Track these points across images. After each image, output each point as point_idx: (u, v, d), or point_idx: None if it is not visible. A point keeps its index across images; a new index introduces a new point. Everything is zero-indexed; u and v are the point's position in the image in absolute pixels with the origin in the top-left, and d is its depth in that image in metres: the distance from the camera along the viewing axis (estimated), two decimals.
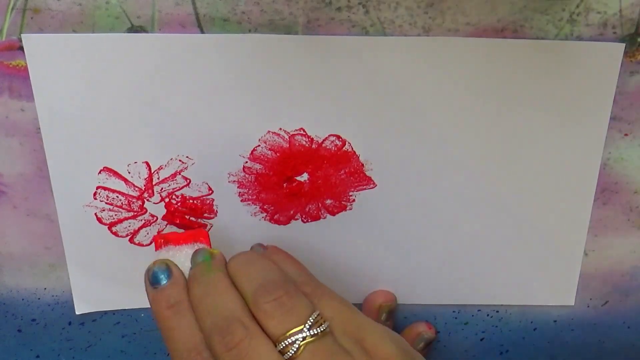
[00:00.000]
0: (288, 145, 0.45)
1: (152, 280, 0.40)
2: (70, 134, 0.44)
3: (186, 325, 0.37)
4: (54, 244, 0.49)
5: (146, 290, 0.40)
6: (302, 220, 0.49)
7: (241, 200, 0.47)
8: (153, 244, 0.46)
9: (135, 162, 0.46)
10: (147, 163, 0.46)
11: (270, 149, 0.45)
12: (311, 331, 0.35)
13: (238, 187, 0.47)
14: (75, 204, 0.47)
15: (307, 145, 0.45)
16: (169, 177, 0.46)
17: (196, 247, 0.42)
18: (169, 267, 0.40)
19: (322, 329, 0.36)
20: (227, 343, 0.35)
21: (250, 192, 0.47)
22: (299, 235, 0.49)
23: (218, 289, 0.38)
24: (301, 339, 0.35)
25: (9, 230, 0.49)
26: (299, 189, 0.47)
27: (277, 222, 0.49)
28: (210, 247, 0.43)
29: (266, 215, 0.48)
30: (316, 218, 0.48)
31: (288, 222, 0.49)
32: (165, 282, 0.39)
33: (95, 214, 0.47)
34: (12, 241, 0.49)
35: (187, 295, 0.39)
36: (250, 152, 0.45)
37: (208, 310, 0.37)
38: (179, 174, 0.46)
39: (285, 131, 0.45)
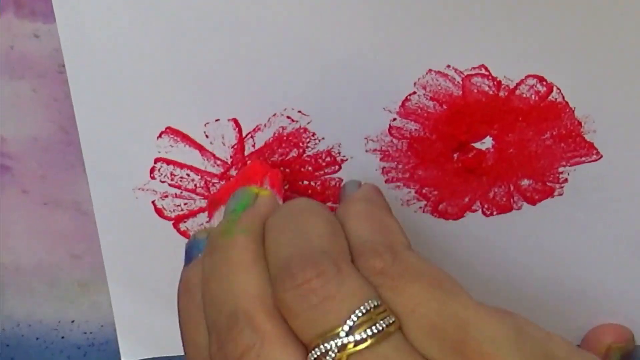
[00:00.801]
0: (461, 93, 0.43)
1: (185, 256, 0.40)
2: (112, 74, 0.42)
3: (197, 320, 0.37)
4: (86, 250, 0.49)
5: None
6: (483, 212, 0.47)
7: (386, 181, 0.46)
8: None
9: (217, 120, 0.43)
10: (235, 121, 0.43)
11: (432, 99, 0.43)
12: (354, 336, 0.32)
13: (381, 159, 0.45)
14: (121, 186, 0.46)
15: (491, 92, 0.43)
16: (271, 143, 0.44)
17: None
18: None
19: (375, 331, 0.33)
20: (227, 354, 0.34)
21: (400, 167, 0.45)
22: (478, 236, 0.47)
23: (232, 264, 0.36)
24: (335, 349, 0.32)
25: (15, 229, 0.49)
26: (479, 163, 0.45)
27: (444, 214, 0.47)
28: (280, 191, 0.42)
29: (426, 205, 0.47)
30: (506, 209, 0.47)
31: (461, 216, 0.47)
32: (199, 255, 0.39)
33: (154, 202, 0.46)
34: (21, 246, 0.49)
35: None
36: (400, 103, 0.43)
37: (212, 299, 0.36)
38: (287, 138, 0.44)
39: (456, 70, 0.42)
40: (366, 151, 0.45)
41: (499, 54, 0.42)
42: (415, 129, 0.44)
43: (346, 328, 0.33)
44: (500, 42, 0.42)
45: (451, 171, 0.46)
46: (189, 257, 0.39)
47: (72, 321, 0.51)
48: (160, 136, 0.44)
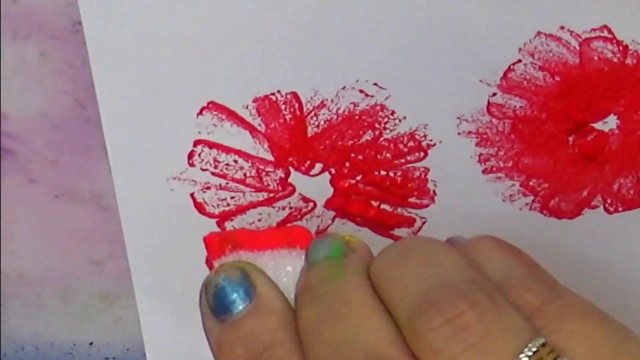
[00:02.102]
0: (578, 61, 0.42)
1: (215, 304, 0.39)
2: (141, 34, 0.42)
3: None
4: (108, 255, 0.49)
5: (204, 323, 0.39)
6: (605, 209, 0.46)
7: (484, 171, 0.45)
8: None
9: (273, 94, 0.43)
10: (294, 95, 0.43)
11: (542, 68, 0.42)
12: None
13: (478, 143, 0.44)
14: (152, 175, 0.45)
15: (615, 59, 0.42)
16: (339, 124, 0.44)
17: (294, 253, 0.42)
18: (249, 279, 0.39)
19: None
20: None
21: (502, 154, 0.44)
22: (600, 238, 0.47)
23: (352, 310, 0.35)
24: None
25: (19, 228, 0.48)
26: (600, 147, 0.44)
27: (556, 212, 0.46)
28: None
29: (534, 200, 0.46)
30: (634, 204, 0.46)
31: (578, 213, 0.46)
32: (242, 307, 0.38)
33: (193, 195, 0.46)
34: (26, 250, 0.49)
35: (288, 332, 0.37)
36: (502, 74, 0.42)
37: (330, 349, 0.35)
38: (359, 118, 0.44)
39: (572, 33, 0.41)
40: (459, 134, 0.44)
41: (625, 12, 0.41)
42: (521, 107, 0.43)
43: None
44: None
45: (565, 158, 0.45)
46: (222, 309, 0.38)
47: (91, 343, 0.51)
48: (200, 113, 0.43)
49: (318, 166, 0.45)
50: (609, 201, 0.46)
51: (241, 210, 0.46)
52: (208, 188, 0.45)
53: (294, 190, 0.46)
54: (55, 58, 0.43)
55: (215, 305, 0.39)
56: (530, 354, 0.32)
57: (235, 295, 0.38)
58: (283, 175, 0.45)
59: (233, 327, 0.38)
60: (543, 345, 0.33)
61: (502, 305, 0.34)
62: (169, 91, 0.42)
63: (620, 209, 0.46)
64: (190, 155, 0.44)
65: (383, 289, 0.36)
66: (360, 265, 0.37)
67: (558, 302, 0.35)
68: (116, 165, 0.45)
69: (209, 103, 0.42)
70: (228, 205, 0.46)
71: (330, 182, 0.45)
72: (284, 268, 0.41)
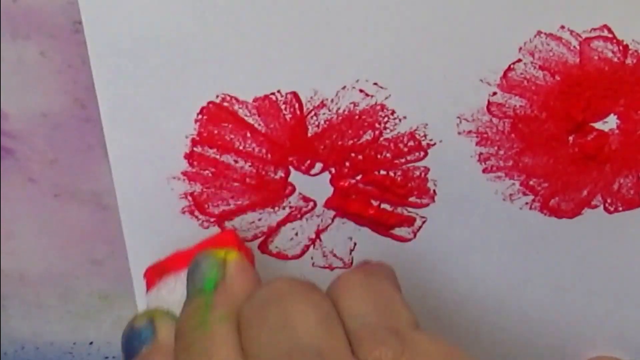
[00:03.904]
0: (578, 60, 0.42)
1: (125, 348, 0.41)
2: (141, 33, 0.41)
3: None
4: (108, 253, 0.49)
5: None
6: (605, 209, 0.46)
7: (484, 170, 0.45)
8: (302, 257, 0.48)
9: (273, 94, 0.43)
10: (294, 95, 0.43)
11: (542, 68, 0.42)
12: None
13: (478, 143, 0.44)
14: (152, 174, 0.45)
15: (615, 59, 0.42)
16: (339, 123, 0.44)
17: None
18: (153, 324, 0.40)
19: None
20: None
21: (502, 153, 0.44)
22: (600, 237, 0.46)
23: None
24: None
25: (19, 228, 0.49)
26: (600, 147, 0.44)
27: (556, 212, 0.46)
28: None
29: (534, 200, 0.46)
30: (634, 203, 0.46)
31: (578, 213, 0.46)
32: (144, 349, 0.40)
33: (193, 194, 0.46)
34: (26, 249, 0.49)
35: None
36: (502, 73, 0.42)
37: None
38: (360, 117, 0.43)
39: (572, 32, 0.41)
40: (459, 133, 0.44)
41: (626, 12, 0.41)
42: (521, 106, 0.43)
43: None
44: None
45: (566, 158, 0.45)
46: (129, 352, 0.40)
47: (91, 343, 0.51)
48: (200, 112, 0.43)
49: (318, 166, 0.45)
50: (609, 201, 0.46)
51: (241, 210, 0.46)
52: (208, 188, 0.45)
53: (294, 189, 0.46)
54: (55, 58, 0.43)
55: (125, 348, 0.40)
56: None
57: (138, 343, 0.40)
58: (283, 175, 0.45)
59: None
60: None
61: None
62: (169, 91, 0.43)
63: (620, 208, 0.46)
64: (190, 156, 0.44)
65: (244, 345, 0.37)
66: (229, 305, 0.38)
67: (408, 355, 0.35)
68: (116, 165, 0.45)
69: (208, 103, 0.43)
70: (228, 205, 0.46)
71: (331, 181, 0.45)
72: None
